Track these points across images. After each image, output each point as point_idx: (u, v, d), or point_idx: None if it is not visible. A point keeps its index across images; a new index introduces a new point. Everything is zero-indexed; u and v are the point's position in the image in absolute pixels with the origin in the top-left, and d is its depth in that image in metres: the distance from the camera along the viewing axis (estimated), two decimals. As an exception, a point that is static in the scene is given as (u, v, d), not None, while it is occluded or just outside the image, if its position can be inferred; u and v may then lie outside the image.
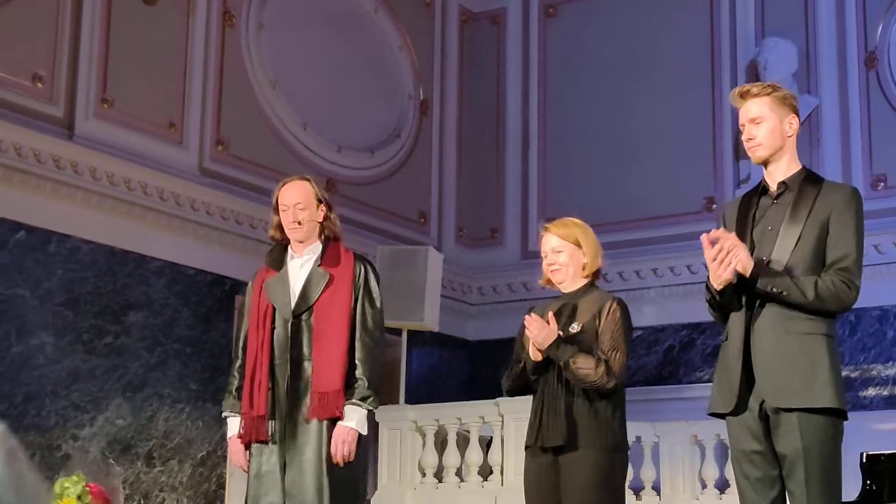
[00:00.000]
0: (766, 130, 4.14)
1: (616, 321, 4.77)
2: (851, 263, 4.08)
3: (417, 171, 11.08)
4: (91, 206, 8.22)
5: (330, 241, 5.01)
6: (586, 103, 11.16)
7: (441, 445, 8.84)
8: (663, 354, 10.39)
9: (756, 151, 4.17)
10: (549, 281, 4.92)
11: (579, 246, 4.88)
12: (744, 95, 4.21)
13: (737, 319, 4.10)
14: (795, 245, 4.08)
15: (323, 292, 4.88)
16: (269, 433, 4.83)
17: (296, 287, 4.93)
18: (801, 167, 4.24)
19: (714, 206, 10.23)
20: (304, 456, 4.80)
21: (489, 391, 8.72)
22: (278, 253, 5.03)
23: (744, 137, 4.18)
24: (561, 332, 4.68)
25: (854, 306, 9.11)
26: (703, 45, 10.73)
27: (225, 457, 8.90)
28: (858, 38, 10.11)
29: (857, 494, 5.53)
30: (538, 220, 11.18)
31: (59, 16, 8.24)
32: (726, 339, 4.17)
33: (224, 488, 8.88)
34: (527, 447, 4.79)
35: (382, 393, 5.17)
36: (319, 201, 5.00)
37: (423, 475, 8.83)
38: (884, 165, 9.83)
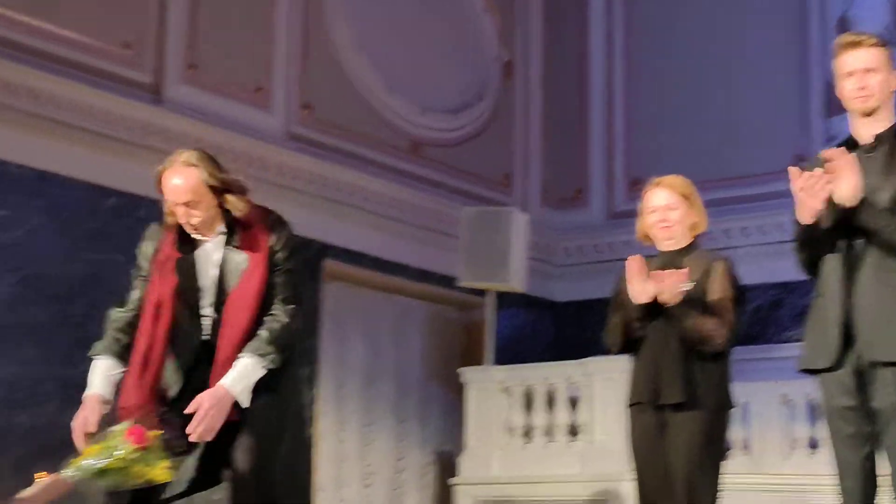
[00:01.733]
0: (879, 82, 4.12)
1: (728, 280, 4.76)
2: (948, 215, 4.02)
3: (501, 133, 11.06)
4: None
5: (236, 221, 4.26)
6: (672, 62, 11.04)
7: (528, 406, 8.86)
8: (752, 314, 10.29)
9: (867, 101, 4.13)
10: (646, 236, 4.88)
11: (691, 204, 4.84)
12: (856, 44, 4.16)
13: (832, 273, 4.07)
14: (890, 200, 4.03)
15: (240, 281, 4.23)
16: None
17: (210, 274, 4.28)
18: (894, 122, 4.19)
19: (803, 163, 10.09)
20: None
21: (575, 352, 8.73)
22: (183, 232, 4.29)
23: (854, 85, 4.13)
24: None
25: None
26: (792, 1, 10.58)
27: (314, 418, 8.99)
28: (952, -11, 9.91)
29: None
30: (624, 180, 11.15)
31: (146, -18, 8.33)
32: (819, 295, 4.14)
33: (314, 449, 8.97)
34: (634, 404, 4.77)
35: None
36: (212, 187, 4.20)
37: (511, 435, 8.86)
38: (978, 120, 9.63)
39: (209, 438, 4.02)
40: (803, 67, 10.33)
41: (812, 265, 4.17)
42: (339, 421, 9.41)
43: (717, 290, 4.71)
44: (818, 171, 4.01)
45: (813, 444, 8.25)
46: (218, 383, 4.07)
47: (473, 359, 9.76)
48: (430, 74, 10.32)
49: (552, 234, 11.24)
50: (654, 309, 4.66)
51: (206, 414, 4.00)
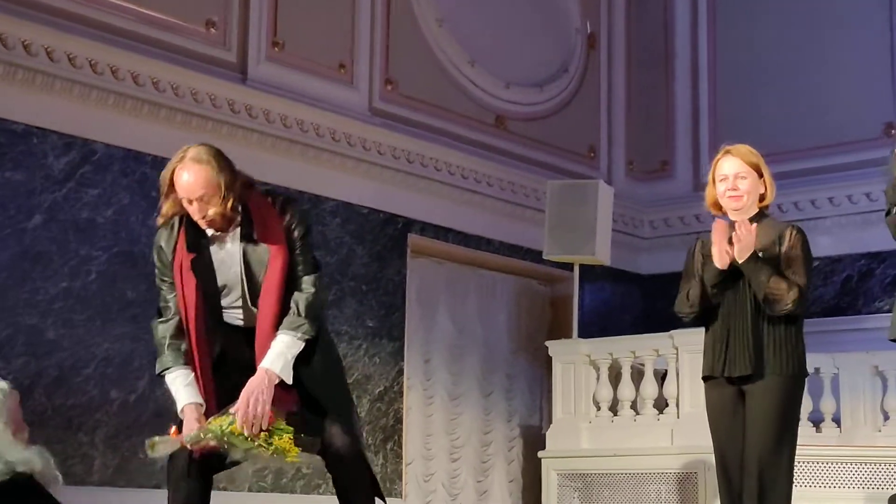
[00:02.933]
0: None
1: (799, 247, 4.74)
2: None
3: (586, 106, 11.01)
4: (266, 148, 8.38)
5: (251, 212, 4.26)
6: (757, 30, 10.91)
7: (615, 379, 8.85)
8: (841, 285, 10.18)
9: None
10: (716, 205, 4.87)
11: (761, 175, 4.83)
12: None
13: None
14: None
15: (267, 271, 4.26)
16: None
17: (231, 269, 4.32)
18: None
19: (894, 131, 9.95)
20: None
21: (662, 325, 8.68)
22: (192, 230, 4.28)
23: None
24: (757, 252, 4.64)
25: None
26: (881, -34, 10.41)
27: (402, 392, 9.06)
28: None
29: None
30: (709, 151, 11.04)
31: (229, -38, 8.39)
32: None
33: (401, 423, 9.04)
34: (709, 377, 4.76)
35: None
36: (223, 184, 4.18)
37: (598, 409, 8.86)
38: None
39: (265, 425, 4.09)
40: (893, 34, 10.15)
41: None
42: (426, 395, 9.46)
43: (789, 254, 4.69)
44: None
45: (905, 416, 8.16)
46: (259, 367, 4.17)
47: (560, 332, 9.75)
48: (514, 48, 10.29)
49: (638, 207, 11.18)
50: (730, 277, 4.66)
51: (251, 405, 4.09)
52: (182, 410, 4.24)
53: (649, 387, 8.66)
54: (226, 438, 4.10)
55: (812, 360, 8.42)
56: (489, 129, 10.02)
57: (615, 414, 8.81)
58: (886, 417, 8.28)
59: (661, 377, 8.68)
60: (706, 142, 11.10)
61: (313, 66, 8.78)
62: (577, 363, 8.93)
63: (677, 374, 8.47)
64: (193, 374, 4.29)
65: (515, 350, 10.14)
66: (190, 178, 4.16)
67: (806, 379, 4.75)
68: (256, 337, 4.24)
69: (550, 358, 9.13)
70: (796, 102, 10.56)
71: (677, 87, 11.39)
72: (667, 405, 8.57)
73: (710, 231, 4.85)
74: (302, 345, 4.21)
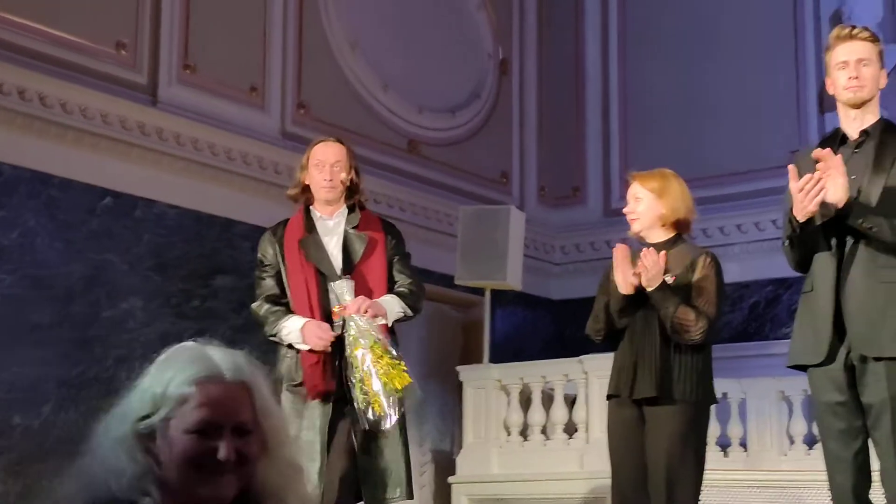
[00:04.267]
0: (871, 75, 4.15)
1: (712, 275, 4.78)
2: (937, 210, 4.04)
3: (498, 131, 11.07)
4: (176, 171, 8.31)
5: (358, 208, 5.03)
6: (666, 58, 11.06)
7: (526, 404, 8.87)
8: (749, 311, 10.32)
9: (859, 92, 4.16)
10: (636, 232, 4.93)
11: (660, 196, 4.88)
12: (850, 36, 4.19)
13: (824, 269, 4.09)
14: (881, 194, 4.05)
15: (364, 256, 4.91)
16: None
17: (334, 250, 4.94)
18: (880, 117, 4.22)
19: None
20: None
21: (573, 350, 8.72)
22: (305, 214, 5.05)
23: (847, 76, 4.15)
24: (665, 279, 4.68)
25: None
26: (786, -3, 10.59)
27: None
28: (946, -15, 9.92)
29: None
30: (620, 178, 11.14)
31: (140, -17, 8.32)
32: (810, 290, 4.16)
33: (312, 448, 8.97)
34: (612, 397, 4.79)
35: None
36: (352, 167, 5.01)
37: (509, 433, 8.87)
38: (973, 115, 9.64)
39: (355, 310, 4.73)
40: (798, 63, 10.33)
41: (803, 262, 4.18)
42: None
43: (700, 283, 4.74)
44: (817, 173, 4.02)
45: (810, 441, 8.26)
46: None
47: (471, 357, 9.76)
48: (427, 73, 10.32)
49: (549, 232, 11.25)
50: (638, 300, 4.69)
51: (364, 301, 4.75)
52: (304, 327, 4.80)
53: (559, 411, 8.70)
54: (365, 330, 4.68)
55: (720, 386, 8.51)
56: (402, 154, 10.03)
57: (525, 439, 8.83)
58: (792, 441, 8.39)
59: (571, 402, 8.72)
60: (616, 168, 11.20)
61: (225, 88, 8.73)
62: (487, 388, 8.95)
63: (587, 399, 8.51)
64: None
65: (427, 375, 10.10)
66: (329, 147, 5.03)
67: (713, 406, 4.78)
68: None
69: (462, 383, 9.14)
70: (705, 130, 10.70)
71: (588, 113, 11.49)
72: (576, 430, 8.61)
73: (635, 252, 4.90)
74: (400, 314, 4.94)
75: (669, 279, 4.69)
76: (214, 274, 8.46)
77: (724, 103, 10.65)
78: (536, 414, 8.78)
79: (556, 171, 11.48)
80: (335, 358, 4.82)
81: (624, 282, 4.67)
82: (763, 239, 10.25)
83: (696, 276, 4.75)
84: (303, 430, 4.76)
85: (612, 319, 4.78)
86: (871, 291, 4.00)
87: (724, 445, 8.56)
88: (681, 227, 4.90)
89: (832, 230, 4.07)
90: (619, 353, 4.81)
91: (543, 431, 8.78)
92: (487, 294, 9.41)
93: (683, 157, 10.51)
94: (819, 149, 4.07)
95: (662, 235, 4.86)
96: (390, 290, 4.96)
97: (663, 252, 4.70)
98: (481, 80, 10.94)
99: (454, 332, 10.44)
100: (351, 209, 5.00)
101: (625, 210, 4.90)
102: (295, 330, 4.85)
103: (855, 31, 4.23)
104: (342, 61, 9.66)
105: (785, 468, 8.24)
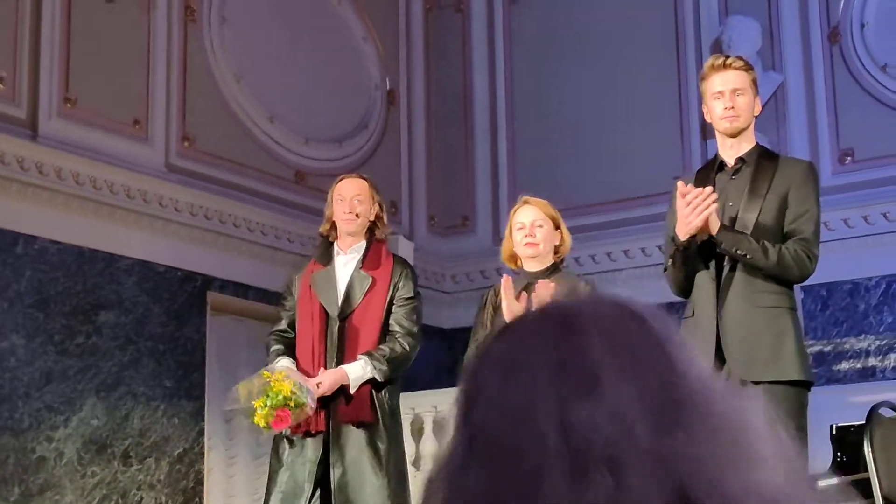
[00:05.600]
0: (746, 104, 4.22)
1: None
2: (810, 234, 4.13)
3: (386, 161, 11.07)
4: (58, 206, 8.18)
5: (374, 243, 5.17)
6: (553, 87, 11.16)
7: (418, 434, 8.85)
8: (637, 336, 10.40)
9: (735, 122, 4.23)
10: (512, 257, 4.93)
11: (557, 227, 4.90)
12: (724, 66, 4.25)
13: (704, 294, 4.14)
14: (757, 219, 4.11)
15: (364, 296, 5.00)
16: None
17: (340, 287, 5.05)
18: (756, 143, 4.29)
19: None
20: (347, 456, 4.83)
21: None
22: (325, 248, 5.21)
23: (723, 106, 4.21)
24: None
25: (826, 280, 9.14)
26: (668, 26, 10.75)
27: (202, 453, 8.89)
28: (821, 13, 10.14)
29: (828, 466, 5.57)
30: (509, 206, 11.20)
31: (18, 15, 8.20)
32: (691, 315, 4.20)
33: (202, 484, 8.87)
34: None
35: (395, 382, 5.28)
36: (375, 202, 5.18)
37: (401, 464, 8.83)
38: (850, 140, 9.86)
39: (323, 392, 4.88)
40: (681, 90, 10.49)
41: (684, 286, 4.23)
42: (228, 456, 9.30)
43: None
44: (707, 188, 4.08)
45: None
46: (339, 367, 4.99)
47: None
48: (313, 104, 10.30)
49: (439, 262, 11.26)
50: None
51: (325, 381, 4.90)
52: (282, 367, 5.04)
53: (451, 441, 8.68)
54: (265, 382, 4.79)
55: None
56: (289, 185, 9.99)
57: (418, 469, 8.80)
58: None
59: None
60: (505, 196, 11.26)
61: (107, 122, 8.62)
62: (379, 419, 8.90)
63: (479, 428, 8.50)
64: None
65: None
66: (351, 182, 5.27)
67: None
68: (349, 350, 5.02)
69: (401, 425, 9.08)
70: (592, 158, 10.81)
71: (477, 142, 11.55)
72: (469, 459, 8.60)
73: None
74: (371, 377, 5.03)
75: None
76: (98, 310, 8.33)
77: (610, 131, 10.77)
78: (428, 443, 8.76)
79: (446, 201, 11.51)
80: (324, 400, 4.94)
81: (509, 313, 4.67)
82: (649, 264, 10.35)
83: (577, 303, 4.77)
84: (295, 460, 4.96)
85: None
86: (748, 316, 4.06)
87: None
88: (556, 256, 4.93)
89: (711, 255, 4.12)
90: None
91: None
92: (377, 325, 9.36)
93: (571, 184, 10.63)
94: (681, 182, 4.13)
95: (542, 264, 4.87)
96: (384, 332, 5.05)
97: (554, 284, 4.70)
98: (369, 111, 10.94)
99: (345, 364, 10.38)
100: (368, 245, 5.11)
101: (524, 234, 4.87)
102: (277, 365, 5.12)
103: (729, 61, 4.31)
104: (227, 93, 9.60)
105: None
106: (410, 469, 8.75)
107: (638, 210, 10.41)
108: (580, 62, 11.05)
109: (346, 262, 5.08)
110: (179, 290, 8.90)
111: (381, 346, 5.03)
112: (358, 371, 4.96)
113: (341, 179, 5.32)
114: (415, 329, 5.09)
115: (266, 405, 4.75)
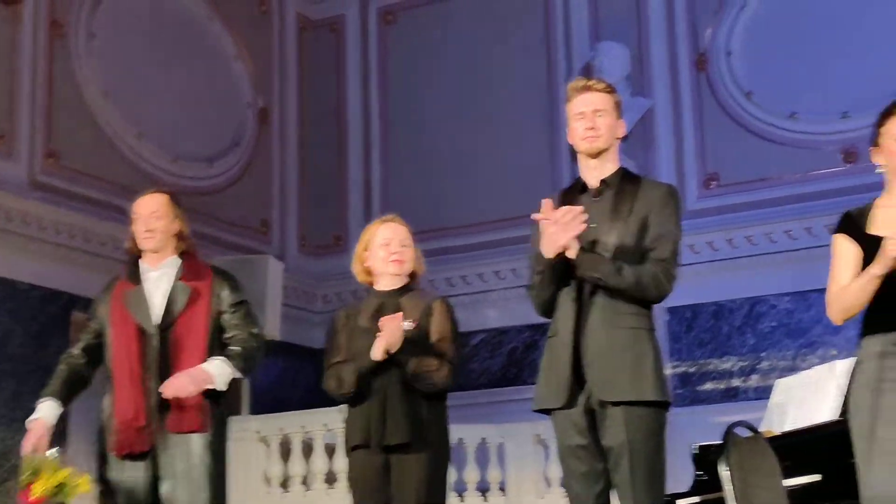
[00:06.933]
0: (607, 124, 4.25)
1: (449, 321, 4.81)
2: (669, 255, 4.17)
3: (258, 180, 11.00)
4: (-84, 222, 7.99)
5: (187, 256, 5.02)
6: (427, 109, 11.20)
7: (286, 455, 8.79)
8: (507, 356, 10.47)
9: (595, 142, 4.26)
10: (366, 273, 4.91)
11: (412, 245, 4.93)
12: (586, 88, 4.28)
13: (565, 314, 4.16)
14: (618, 241, 4.15)
15: (186, 307, 4.89)
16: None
17: (156, 301, 4.92)
18: (619, 166, 4.34)
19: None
20: (176, 468, 4.77)
21: (334, 399, 8.67)
22: (133, 266, 5.01)
23: (584, 126, 4.24)
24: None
25: (691, 302, 9.27)
26: (539, 50, 10.87)
27: (65, 475, 8.71)
28: (688, 40, 10.34)
29: (689, 485, 5.65)
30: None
31: None
32: (554, 335, 4.23)
33: (65, 507, 8.68)
34: (357, 447, 4.76)
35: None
36: (176, 216, 5.02)
37: (269, 485, 8.77)
38: (715, 164, 10.05)
39: (178, 394, 4.72)
40: (552, 114, 10.58)
41: (547, 305, 4.26)
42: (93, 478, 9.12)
43: (438, 330, 4.76)
44: (577, 207, 4.11)
45: (566, 483, 8.42)
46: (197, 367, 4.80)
47: (231, 409, 9.60)
48: (183, 122, 10.19)
49: (311, 281, 11.21)
50: (385, 361, 4.68)
51: (179, 380, 4.72)
52: (33, 421, 4.91)
53: (319, 461, 8.65)
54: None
55: (479, 431, 8.68)
56: (158, 203, 9.85)
57: (286, 490, 8.75)
58: (549, 484, 8.53)
59: (332, 451, 8.68)
60: (378, 216, 11.18)
61: (-31, 137, 8.45)
62: (247, 440, 8.83)
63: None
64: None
65: (186, 428, 9.93)
66: (147, 199, 5.01)
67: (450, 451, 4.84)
68: (178, 364, 4.81)
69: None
70: (465, 179, 10.86)
71: (350, 163, 11.54)
72: (336, 479, 8.57)
73: (361, 301, 4.90)
74: (231, 376, 4.89)
75: (409, 325, 4.69)
76: (-42, 329, 8.13)
77: (483, 153, 10.84)
78: (296, 465, 8.71)
79: (318, 220, 11.47)
80: (149, 417, 4.81)
81: (378, 352, 4.66)
82: (520, 285, 10.39)
83: (434, 322, 4.78)
84: (123, 478, 4.85)
85: (360, 378, 4.75)
86: (608, 337, 4.09)
87: (483, 490, 8.65)
88: (413, 276, 4.94)
89: (573, 276, 4.16)
90: (364, 404, 4.77)
91: (304, 482, 8.71)
92: (246, 344, 9.28)
93: (443, 205, 10.68)
94: (548, 200, 4.16)
95: (397, 283, 4.88)
96: (214, 344, 4.90)
97: (399, 314, 4.69)
98: (240, 129, 10.86)
99: (213, 384, 10.27)
100: (182, 258, 5.00)
101: (392, 251, 4.86)
102: (34, 416, 4.94)
103: (591, 83, 4.35)
104: (95, 109, 9.45)
105: (542, 511, 8.38)
106: (279, 490, 8.71)
107: (509, 231, 10.47)
108: (454, 84, 11.11)
109: (158, 276, 4.95)
110: (42, 310, 8.73)
111: (229, 348, 4.89)
112: (224, 368, 4.84)
113: (141, 196, 5.12)
114: (254, 329, 4.96)
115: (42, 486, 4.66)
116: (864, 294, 3.91)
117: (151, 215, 4.95)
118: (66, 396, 5.04)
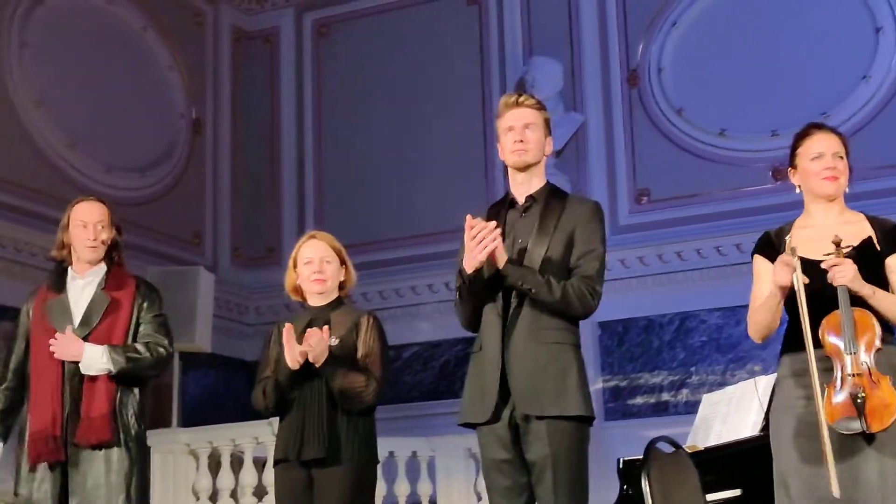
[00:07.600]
0: (535, 139, 4.29)
1: (376, 336, 4.82)
2: (594, 272, 4.22)
3: (191, 191, 10.95)
4: None
5: (114, 266, 4.99)
6: (362, 122, 11.21)
7: (215, 468, 8.74)
8: (439, 369, 10.49)
9: (523, 155, 4.30)
10: (296, 290, 4.92)
11: (343, 262, 4.92)
12: (516, 103, 4.32)
13: (491, 329, 4.20)
14: (544, 255, 4.19)
15: (103, 317, 4.87)
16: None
17: (76, 310, 4.89)
18: (546, 182, 4.38)
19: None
20: (86, 484, 4.73)
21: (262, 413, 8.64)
22: (58, 274, 4.97)
23: (513, 139, 4.28)
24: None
25: (623, 317, 9.32)
26: (474, 64, 10.91)
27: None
28: (621, 57, 10.42)
29: (615, 499, 5.69)
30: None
31: None
32: (479, 350, 4.26)
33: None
34: (280, 461, 4.76)
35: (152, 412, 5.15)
36: (113, 225, 5.01)
37: (198, 499, 8.72)
38: (646, 180, 10.14)
39: (53, 349, 4.77)
40: (486, 128, 10.62)
41: (472, 319, 4.29)
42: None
43: (364, 346, 4.77)
44: (492, 222, 4.14)
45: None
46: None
47: (161, 421, 9.54)
48: (115, 132, 10.13)
49: (243, 293, 11.17)
50: (305, 370, 4.68)
51: (60, 341, 4.78)
52: None
53: (248, 475, 8.60)
54: None
55: (409, 444, 8.68)
56: (89, 213, 9.78)
57: (215, 503, 8.70)
58: (479, 498, 8.54)
59: (262, 465, 8.64)
60: (312, 228, 11.21)
61: None
62: (176, 453, 8.77)
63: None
64: None
65: (115, 440, 9.85)
66: (91, 206, 4.99)
67: (378, 466, 4.84)
68: (86, 395, 4.79)
69: (149, 448, 8.92)
70: (399, 192, 10.88)
71: (284, 174, 11.51)
72: (266, 493, 8.54)
73: (295, 315, 4.90)
74: (106, 367, 4.80)
75: (334, 342, 4.70)
76: None
77: (417, 167, 10.86)
78: (225, 478, 8.66)
79: (251, 232, 11.44)
80: (65, 427, 4.78)
81: (292, 359, 4.65)
82: (453, 299, 10.45)
83: (361, 338, 4.79)
84: (34, 491, 4.79)
85: (280, 392, 4.75)
86: (533, 352, 4.12)
87: (414, 503, 8.65)
88: (342, 291, 4.95)
89: (499, 290, 4.19)
90: (287, 418, 4.78)
91: (233, 495, 8.67)
92: (176, 356, 9.23)
93: (377, 218, 10.70)
94: (470, 216, 4.20)
95: (327, 299, 4.88)
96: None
97: (326, 328, 4.69)
98: (173, 140, 10.82)
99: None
100: (108, 267, 4.98)
101: (314, 269, 4.86)
102: None
103: (521, 99, 4.39)
104: (26, 119, 9.38)
105: (471, 525, 8.40)
106: (207, 504, 8.66)
107: (442, 245, 10.47)
108: (388, 97, 11.13)
109: (84, 285, 4.93)
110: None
111: (128, 344, 4.88)
112: (95, 354, 4.79)
113: (79, 201, 5.06)
114: (164, 341, 4.92)
115: None
116: (769, 310, 3.97)
117: (98, 224, 4.93)
118: (5, 431, 4.99)
